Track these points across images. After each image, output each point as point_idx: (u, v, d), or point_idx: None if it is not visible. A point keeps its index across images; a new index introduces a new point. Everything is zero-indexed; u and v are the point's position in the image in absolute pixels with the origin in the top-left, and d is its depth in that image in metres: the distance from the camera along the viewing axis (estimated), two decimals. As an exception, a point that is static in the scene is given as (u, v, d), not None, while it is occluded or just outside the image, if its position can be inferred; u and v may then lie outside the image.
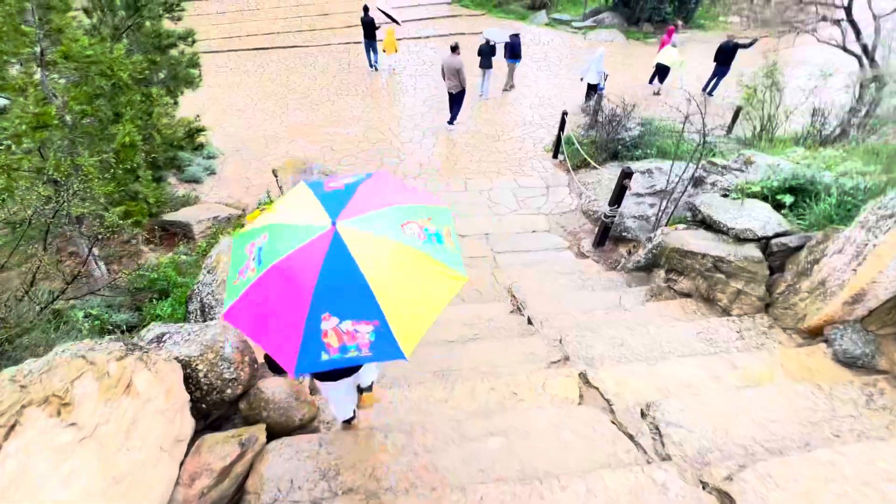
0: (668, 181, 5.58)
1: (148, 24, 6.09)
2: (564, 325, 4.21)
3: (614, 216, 6.06)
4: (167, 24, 6.99)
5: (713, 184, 5.74)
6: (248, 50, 16.06)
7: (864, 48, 9.35)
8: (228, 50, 15.97)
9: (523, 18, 21.16)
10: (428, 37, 17.83)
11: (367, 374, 2.50)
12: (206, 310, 3.58)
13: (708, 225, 5.04)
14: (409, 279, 1.61)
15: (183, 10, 6.74)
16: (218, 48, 16.04)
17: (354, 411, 2.70)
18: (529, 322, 4.34)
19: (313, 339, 1.47)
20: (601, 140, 9.08)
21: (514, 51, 12.38)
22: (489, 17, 20.40)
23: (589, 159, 8.15)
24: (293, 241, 1.60)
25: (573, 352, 3.65)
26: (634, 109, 8.91)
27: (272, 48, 16.28)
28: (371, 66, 14.83)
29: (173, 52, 6.65)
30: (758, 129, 9.26)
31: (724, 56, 12.51)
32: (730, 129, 11.47)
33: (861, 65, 10.02)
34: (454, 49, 9.72)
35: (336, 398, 2.49)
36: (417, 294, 1.61)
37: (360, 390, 2.60)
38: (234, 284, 1.69)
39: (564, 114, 9.29)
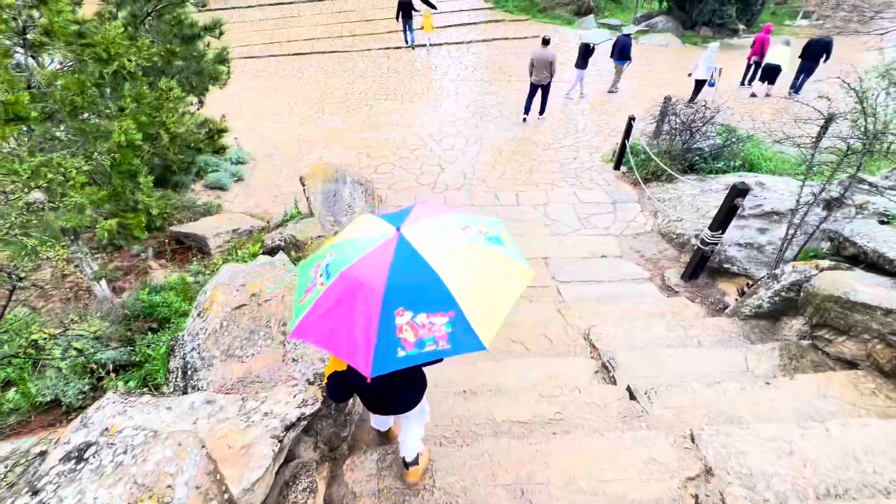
0: (797, 201, 4.19)
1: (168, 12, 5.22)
2: (683, 404, 2.91)
3: (716, 243, 4.69)
4: (194, 16, 6.15)
5: (861, 206, 4.30)
6: (288, 55, 15.41)
7: None
8: (268, 55, 15.38)
9: (570, 24, 19.82)
10: (470, 42, 16.77)
11: (411, 445, 2.23)
12: (189, 372, 2.51)
13: (871, 263, 3.63)
14: (479, 272, 1.57)
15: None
16: (259, 53, 15.49)
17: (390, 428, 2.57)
18: (631, 395, 3.06)
19: (388, 335, 1.40)
20: (675, 149, 7.68)
21: (623, 51, 11.42)
22: (533, 21, 19.18)
23: (667, 169, 6.77)
24: (359, 250, 1.60)
25: (718, 461, 2.35)
26: (717, 114, 7.47)
27: (312, 53, 15.59)
28: (407, 43, 15.89)
29: (198, 44, 5.76)
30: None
31: (814, 52, 11.10)
32: (819, 137, 9.78)
33: None
34: (545, 42, 9.56)
35: (380, 422, 2.48)
36: (488, 285, 1.55)
37: (406, 465, 2.27)
38: (299, 304, 1.67)
39: (632, 119, 7.93)
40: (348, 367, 1.81)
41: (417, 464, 2.26)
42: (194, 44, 5.61)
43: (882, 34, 9.82)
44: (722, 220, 4.53)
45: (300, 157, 9.04)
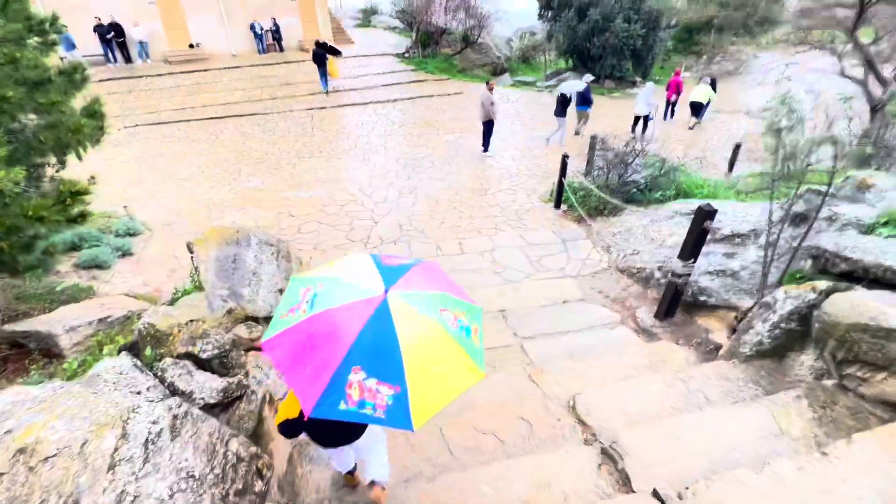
0: (769, 219, 3.69)
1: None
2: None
3: (689, 274, 4.06)
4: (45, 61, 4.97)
5: (830, 219, 3.88)
6: (201, 119, 14.21)
7: (873, 70, 8.34)
8: (179, 120, 14.08)
9: (487, 82, 20.58)
10: (395, 100, 16.62)
11: (376, 467, 2.28)
12: None
13: (875, 280, 3.08)
14: (437, 359, 1.62)
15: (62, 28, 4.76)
16: (168, 119, 14.14)
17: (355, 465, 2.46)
18: (660, 500, 2.10)
19: (338, 386, 1.47)
20: (612, 183, 7.37)
21: (585, 98, 12.14)
22: (454, 80, 19.64)
23: (613, 201, 6.30)
24: (347, 296, 1.67)
25: None
26: (648, 146, 7.32)
27: (228, 117, 14.51)
28: (324, 89, 16.85)
29: (50, 92, 4.54)
30: (781, 163, 7.79)
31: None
32: (731, 165, 10.16)
33: (866, 89, 9.03)
34: (490, 86, 11.02)
35: (337, 457, 2.34)
36: (440, 375, 1.61)
37: (372, 483, 2.29)
38: (281, 318, 1.74)
39: (565, 157, 7.59)
40: (300, 413, 1.85)
41: (385, 488, 2.27)
42: (43, 91, 4.39)
43: (763, 74, 10.71)
44: (692, 248, 3.92)
45: (209, 222, 7.71)
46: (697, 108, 12.75)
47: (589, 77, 12.81)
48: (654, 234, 5.58)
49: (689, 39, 21.62)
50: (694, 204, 5.81)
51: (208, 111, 14.79)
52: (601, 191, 7.29)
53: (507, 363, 4.02)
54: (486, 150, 11.61)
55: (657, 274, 4.90)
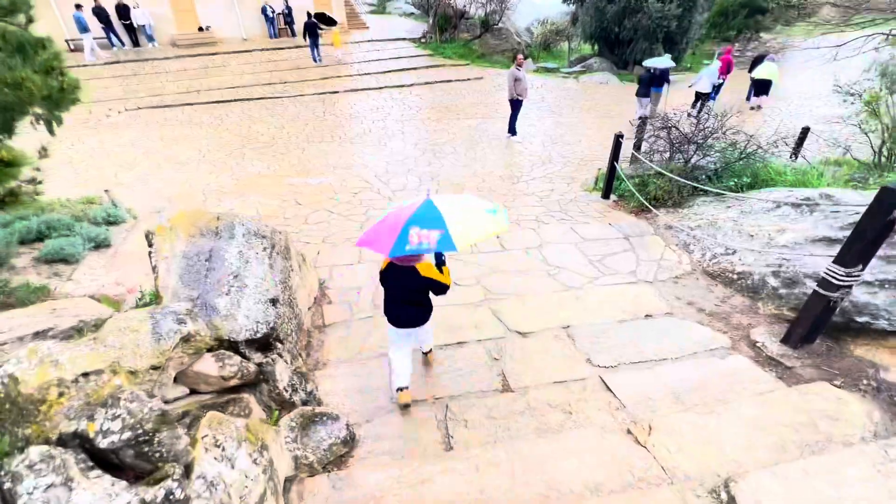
0: None
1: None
2: None
3: (851, 286, 2.80)
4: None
5: None
6: (207, 103, 13.09)
7: None
8: (183, 104, 12.98)
9: (508, 67, 19.19)
10: (412, 84, 15.35)
11: (427, 341, 3.18)
12: None
13: None
14: (467, 217, 2.37)
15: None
16: (172, 102, 13.06)
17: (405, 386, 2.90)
18: None
19: (403, 237, 2.22)
20: (676, 168, 6.06)
21: (664, 77, 11.10)
22: (474, 65, 18.28)
23: (697, 185, 5.02)
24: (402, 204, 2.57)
25: None
26: (723, 125, 5.98)
27: (234, 100, 13.38)
28: (315, 61, 16.63)
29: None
30: (884, 145, 6.39)
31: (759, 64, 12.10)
32: (796, 151, 8.77)
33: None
34: (519, 62, 9.89)
35: (399, 357, 2.84)
36: (471, 224, 2.34)
37: (425, 353, 3.24)
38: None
39: (620, 136, 6.30)
40: (385, 268, 2.67)
41: (431, 352, 3.26)
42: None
43: (837, 47, 9.29)
44: (865, 248, 2.65)
45: (205, 210, 6.57)
46: (765, 87, 11.58)
47: (668, 57, 11.81)
48: (752, 229, 4.29)
49: (724, 24, 19.94)
50: (805, 192, 4.51)
51: (214, 95, 13.67)
52: (660, 179, 6.02)
53: (587, 407, 2.80)
54: (512, 134, 10.37)
55: (772, 281, 3.62)
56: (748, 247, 4.03)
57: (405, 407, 2.84)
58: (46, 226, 5.23)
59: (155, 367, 1.86)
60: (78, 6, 15.38)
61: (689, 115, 6.95)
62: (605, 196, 6.76)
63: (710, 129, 5.87)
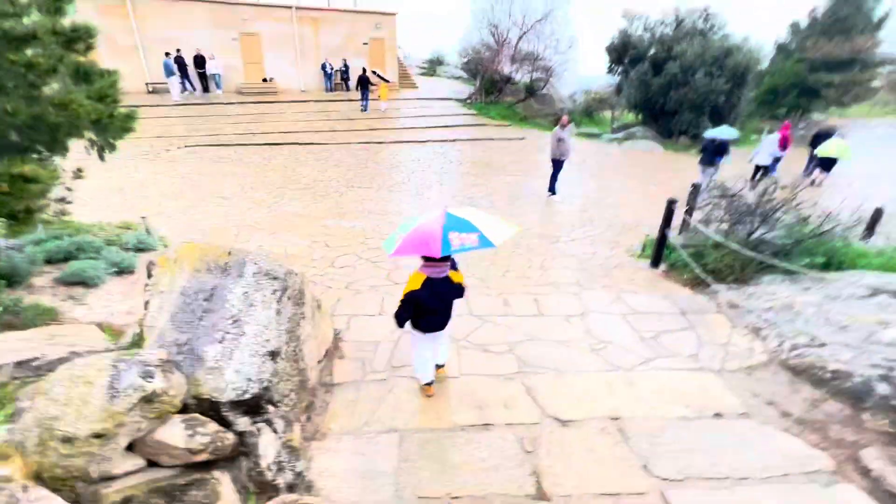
0: None
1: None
2: None
3: None
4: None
5: None
6: (259, 145, 13.68)
7: None
8: (237, 144, 13.61)
9: (550, 130, 19.41)
10: (454, 140, 15.62)
11: (444, 352, 3.30)
12: None
13: None
14: (489, 219, 2.72)
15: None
16: (227, 142, 13.73)
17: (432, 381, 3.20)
18: None
19: (446, 240, 2.45)
20: (736, 239, 5.44)
21: (724, 148, 10.42)
22: (516, 127, 18.58)
23: (770, 261, 4.40)
24: (421, 217, 2.79)
25: None
26: (794, 199, 5.39)
27: (285, 144, 13.93)
28: (363, 109, 17.89)
29: (26, 52, 3.40)
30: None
31: (817, 140, 11.86)
32: (870, 230, 7.92)
33: None
34: (563, 123, 9.72)
35: (422, 357, 3.07)
36: (494, 225, 2.66)
37: (439, 367, 3.31)
38: (389, 246, 2.72)
39: (672, 202, 5.81)
40: (421, 286, 2.71)
41: (443, 367, 3.36)
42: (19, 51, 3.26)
43: None
44: None
45: (233, 244, 6.44)
46: (830, 165, 11.24)
47: (730, 128, 11.45)
48: (842, 318, 3.59)
49: (773, 102, 19.62)
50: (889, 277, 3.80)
51: (267, 138, 14.31)
52: (717, 251, 5.41)
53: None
54: (552, 192, 10.05)
55: (881, 388, 2.89)
56: (842, 340, 3.32)
57: (429, 397, 3.16)
58: (76, 247, 5.17)
59: (98, 435, 1.43)
60: (167, 53, 17.05)
61: (751, 187, 6.43)
62: (654, 264, 6.16)
63: (778, 201, 5.28)
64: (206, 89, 18.86)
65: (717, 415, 3.00)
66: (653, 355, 3.71)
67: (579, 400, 3.10)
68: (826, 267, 5.30)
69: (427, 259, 2.65)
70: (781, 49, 21.08)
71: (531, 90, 21.24)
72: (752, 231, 5.47)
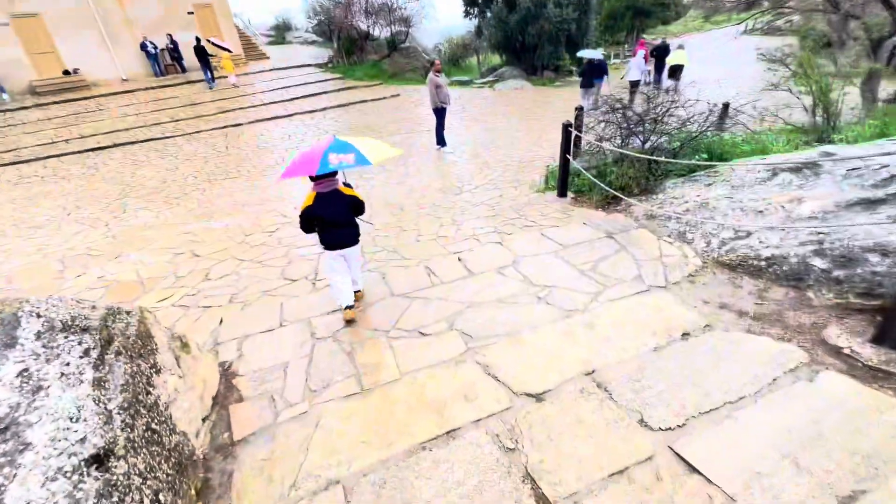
0: None
1: None
2: None
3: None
4: None
5: None
6: (78, 152, 10.76)
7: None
8: (46, 156, 10.54)
9: (422, 83, 18.53)
10: (324, 108, 14.01)
11: (358, 275, 3.40)
12: None
13: None
14: (368, 143, 3.03)
15: None
16: (29, 156, 10.55)
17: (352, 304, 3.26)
18: None
19: (325, 160, 2.73)
20: (636, 151, 5.36)
21: (601, 68, 11.05)
22: (387, 85, 17.36)
23: (688, 162, 4.24)
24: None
25: None
26: (674, 101, 5.40)
27: (114, 146, 11.16)
28: (209, 84, 15.95)
29: None
30: (819, 112, 6.20)
31: (661, 54, 13.29)
32: (721, 123, 8.72)
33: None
34: (438, 70, 9.08)
35: (340, 280, 3.19)
36: (373, 147, 3.00)
37: (354, 294, 3.34)
38: (283, 167, 3.08)
39: (569, 126, 5.52)
40: (313, 201, 2.95)
41: (360, 293, 3.50)
42: None
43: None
44: None
45: (57, 284, 4.74)
46: (678, 72, 12.34)
47: (600, 50, 12.05)
48: (756, 204, 3.56)
49: (614, 26, 20.95)
50: (797, 156, 3.88)
51: (88, 142, 11.34)
52: (619, 164, 5.31)
53: (678, 511, 1.69)
54: (442, 145, 9.44)
55: (818, 263, 2.83)
56: (764, 224, 3.25)
57: (350, 322, 3.20)
58: None
59: None
60: None
61: (629, 101, 6.41)
62: (562, 194, 5.92)
63: (662, 105, 5.24)
64: (-20, 95, 14.32)
65: (685, 335, 2.72)
66: (599, 288, 3.35)
67: (546, 363, 2.59)
68: (709, 161, 5.50)
69: (313, 178, 2.92)
70: (612, -25, 22.35)
71: (394, 44, 19.92)
72: (645, 140, 5.42)
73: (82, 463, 1.38)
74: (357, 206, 3.08)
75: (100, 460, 1.43)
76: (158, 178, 8.66)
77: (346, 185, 3.14)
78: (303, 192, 7.09)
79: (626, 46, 16.61)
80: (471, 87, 17.94)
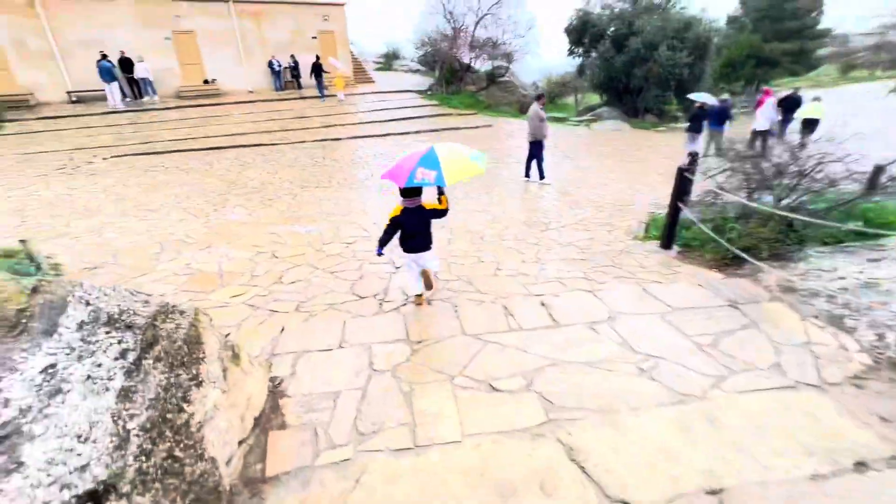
0: None
1: None
2: None
3: None
4: None
5: None
6: (199, 150, 12.01)
7: None
8: (173, 150, 11.90)
9: (516, 117, 18.45)
10: (417, 132, 14.38)
11: (432, 263, 3.66)
12: None
13: None
14: (457, 161, 3.06)
15: None
16: (162, 149, 11.97)
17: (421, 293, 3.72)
18: None
19: (413, 173, 2.90)
20: (777, 208, 4.48)
21: (724, 114, 10.28)
22: (482, 115, 17.52)
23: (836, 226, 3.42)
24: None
25: None
26: (823, 156, 4.48)
27: (230, 147, 12.31)
28: (321, 97, 17.94)
29: None
30: None
31: (789, 105, 11.85)
32: (871, 185, 7.29)
33: None
34: (539, 99, 9.07)
35: (412, 274, 3.65)
36: (458, 167, 3.03)
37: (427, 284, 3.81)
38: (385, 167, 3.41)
39: (684, 171, 4.82)
40: (400, 213, 3.32)
41: (436, 269, 3.88)
42: None
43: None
44: None
45: (152, 265, 5.00)
46: (812, 125, 10.78)
47: (725, 95, 10.99)
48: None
49: (732, 74, 19.39)
50: None
51: (209, 142, 12.63)
52: (745, 220, 4.47)
53: None
54: (529, 176, 9.08)
55: None
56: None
57: (420, 304, 3.70)
58: None
59: None
60: (104, 55, 15.05)
61: (755, 153, 5.55)
62: (666, 245, 5.17)
63: (812, 161, 4.36)
64: (137, 95, 16.81)
65: (861, 465, 1.95)
66: (722, 371, 2.64)
67: (652, 462, 1.98)
68: (862, 232, 4.45)
69: (402, 192, 3.20)
70: (733, 21, 20.93)
71: (493, 77, 20.25)
72: (782, 196, 4.54)
73: (73, 501, 1.10)
74: (439, 214, 3.42)
75: (96, 499, 1.15)
76: (259, 181, 9.24)
77: (441, 192, 3.36)
78: (385, 210, 7.07)
79: (743, 97, 15.11)
80: (566, 125, 17.49)
